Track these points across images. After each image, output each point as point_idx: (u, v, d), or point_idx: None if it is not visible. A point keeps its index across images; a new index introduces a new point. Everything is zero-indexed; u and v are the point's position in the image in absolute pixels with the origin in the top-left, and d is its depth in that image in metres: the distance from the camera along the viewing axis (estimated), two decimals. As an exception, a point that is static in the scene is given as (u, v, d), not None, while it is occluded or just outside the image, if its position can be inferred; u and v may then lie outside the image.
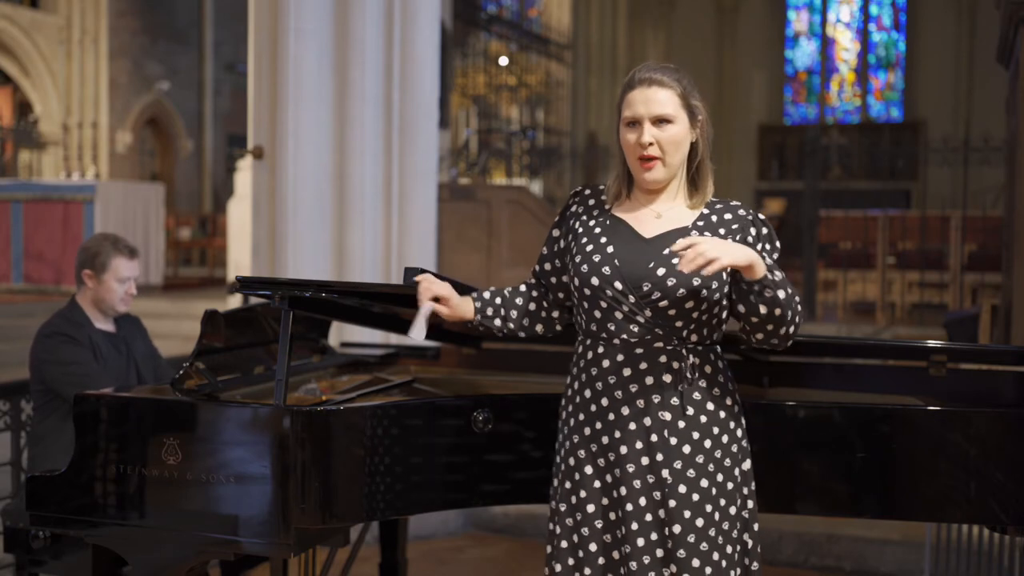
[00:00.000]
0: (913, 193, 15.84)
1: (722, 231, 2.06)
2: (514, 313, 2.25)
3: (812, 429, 2.43)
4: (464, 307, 2.22)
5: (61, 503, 2.47)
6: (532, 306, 2.26)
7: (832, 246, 9.78)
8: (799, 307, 2.03)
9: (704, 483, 2.02)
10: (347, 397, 2.60)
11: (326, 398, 2.65)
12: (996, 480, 2.34)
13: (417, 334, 2.14)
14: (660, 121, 2.03)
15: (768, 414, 2.45)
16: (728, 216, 2.08)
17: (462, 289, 2.49)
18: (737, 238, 2.05)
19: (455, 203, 6.84)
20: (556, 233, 2.21)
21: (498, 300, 2.25)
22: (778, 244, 2.11)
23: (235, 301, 6.00)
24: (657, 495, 2.01)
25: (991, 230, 8.33)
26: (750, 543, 2.11)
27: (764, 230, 2.08)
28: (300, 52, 4.73)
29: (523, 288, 2.28)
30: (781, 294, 1.97)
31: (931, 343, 2.69)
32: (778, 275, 1.99)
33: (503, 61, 13.33)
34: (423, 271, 2.25)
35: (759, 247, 2.06)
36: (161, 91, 15.79)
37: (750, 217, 2.09)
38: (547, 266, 2.22)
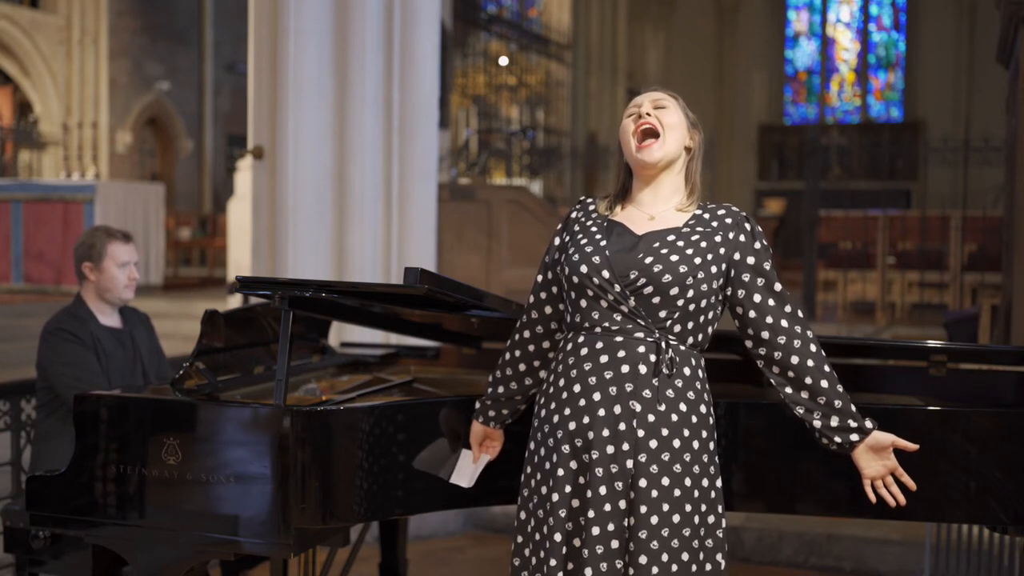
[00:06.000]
0: (913, 193, 15.83)
1: (715, 223, 2.10)
2: (512, 377, 2.28)
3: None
4: (500, 435, 2.38)
5: (61, 503, 2.47)
6: (521, 366, 2.26)
7: (832, 246, 9.77)
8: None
9: (665, 481, 2.00)
10: (347, 397, 2.60)
11: (326, 398, 2.65)
12: (996, 480, 2.34)
13: (467, 481, 2.40)
14: (659, 107, 2.14)
15: (768, 414, 2.45)
16: (722, 212, 2.13)
17: (465, 292, 2.50)
18: (731, 235, 2.09)
19: (455, 203, 6.84)
20: (558, 241, 2.22)
21: (499, 390, 2.30)
22: (768, 248, 2.16)
23: (235, 301, 6.00)
24: (619, 485, 2.01)
25: (991, 230, 8.32)
26: (723, 564, 2.10)
27: (757, 228, 2.14)
28: (300, 52, 4.73)
29: (516, 349, 2.27)
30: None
31: (931, 343, 2.69)
32: (854, 408, 2.11)
33: (503, 61, 13.32)
34: (423, 271, 2.26)
35: (756, 244, 2.11)
36: (161, 91, 15.80)
37: (743, 213, 2.15)
38: (550, 274, 2.21)
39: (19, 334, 6.82)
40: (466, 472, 2.40)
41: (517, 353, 2.26)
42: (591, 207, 2.20)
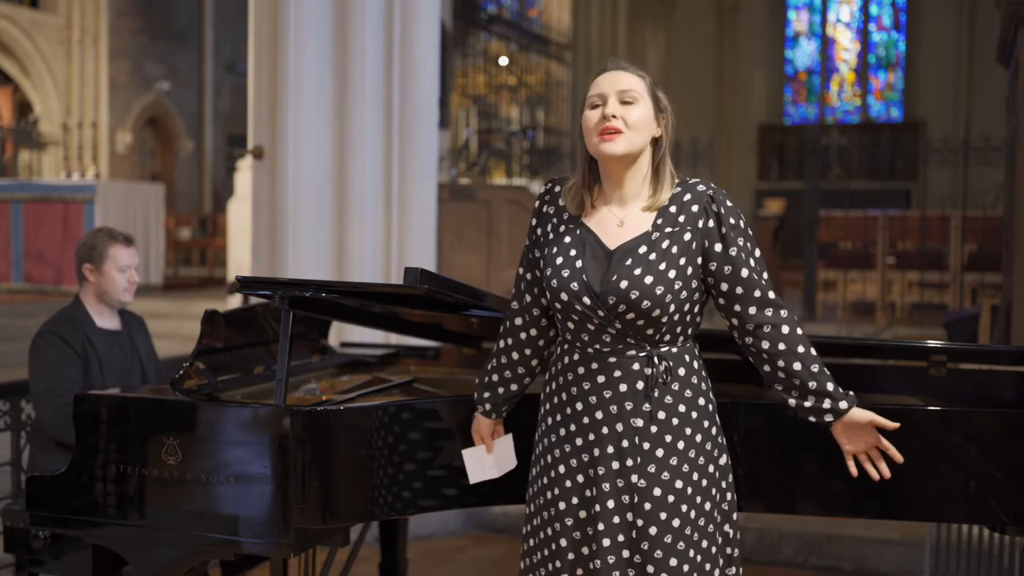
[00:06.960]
0: (913, 193, 15.83)
1: (682, 217, 2.05)
2: (525, 374, 2.27)
3: (812, 429, 2.43)
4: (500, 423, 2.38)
5: (61, 503, 2.48)
6: (534, 362, 2.24)
7: (832, 246, 9.77)
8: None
9: (679, 484, 2.02)
10: (347, 397, 2.60)
11: (326, 398, 2.65)
12: (996, 480, 2.34)
13: (496, 471, 2.39)
14: (625, 101, 2.05)
15: (768, 414, 2.45)
16: (687, 198, 2.06)
17: (465, 292, 2.50)
18: (699, 224, 2.04)
19: (455, 203, 6.84)
20: (534, 237, 2.18)
21: (512, 389, 2.28)
22: (741, 223, 2.06)
23: (235, 301, 6.00)
24: (626, 499, 2.02)
25: (991, 230, 8.32)
26: (731, 532, 2.13)
27: (723, 206, 2.05)
28: (300, 52, 4.73)
29: (517, 351, 2.24)
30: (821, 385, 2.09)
31: (931, 343, 2.69)
32: (830, 387, 2.07)
33: (503, 61, 13.32)
34: (423, 271, 2.26)
35: (721, 229, 2.04)
36: (161, 91, 15.79)
37: (709, 192, 2.07)
38: (538, 272, 2.18)
39: (19, 334, 6.83)
40: (486, 466, 2.38)
41: (527, 351, 2.23)
42: (560, 200, 2.14)
